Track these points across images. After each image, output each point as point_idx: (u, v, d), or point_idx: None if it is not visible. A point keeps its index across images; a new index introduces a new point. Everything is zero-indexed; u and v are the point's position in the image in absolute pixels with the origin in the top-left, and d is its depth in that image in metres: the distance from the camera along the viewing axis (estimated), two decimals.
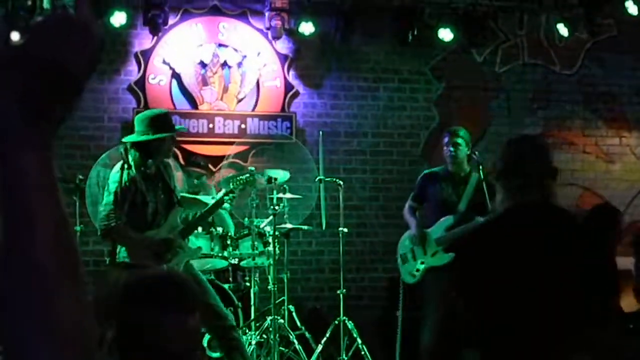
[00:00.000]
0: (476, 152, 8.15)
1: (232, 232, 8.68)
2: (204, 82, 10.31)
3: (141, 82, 10.28)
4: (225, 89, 10.36)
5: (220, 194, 7.33)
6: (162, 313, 2.33)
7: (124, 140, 7.05)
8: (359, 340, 8.33)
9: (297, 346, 8.18)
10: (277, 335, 7.82)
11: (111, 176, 6.86)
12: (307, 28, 10.37)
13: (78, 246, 1.20)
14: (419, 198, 8.33)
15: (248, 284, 8.56)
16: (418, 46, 10.76)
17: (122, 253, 6.78)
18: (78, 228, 8.64)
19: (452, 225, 7.98)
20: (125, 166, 6.77)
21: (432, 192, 8.17)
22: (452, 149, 8.05)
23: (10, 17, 8.64)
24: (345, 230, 8.72)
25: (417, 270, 8.18)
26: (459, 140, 8.05)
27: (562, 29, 10.78)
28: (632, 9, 10.54)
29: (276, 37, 10.49)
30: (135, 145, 6.82)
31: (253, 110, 10.53)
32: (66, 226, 1.18)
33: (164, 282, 2.44)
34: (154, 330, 2.32)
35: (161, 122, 6.90)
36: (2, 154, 1.15)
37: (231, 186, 7.33)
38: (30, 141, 1.15)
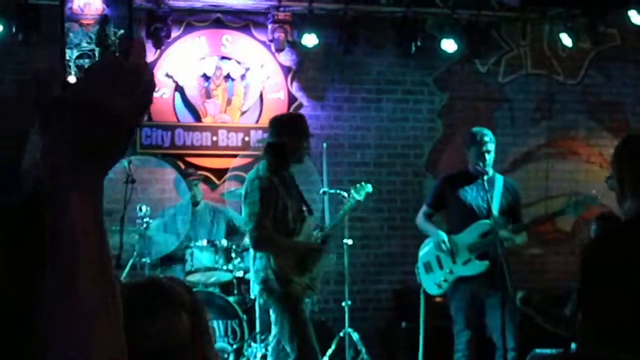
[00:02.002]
0: None
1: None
2: (207, 95, 10.33)
3: None
4: (229, 102, 10.38)
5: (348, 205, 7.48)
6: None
7: (262, 143, 7.14)
8: (364, 352, 8.31)
9: None
10: (282, 347, 7.78)
11: (249, 184, 6.82)
12: (310, 40, 10.37)
13: (118, 285, 1.23)
14: (436, 204, 8.09)
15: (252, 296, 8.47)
16: (421, 57, 10.80)
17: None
18: None
19: (488, 232, 7.67)
20: (264, 172, 6.74)
21: (456, 196, 7.91)
22: (489, 149, 7.78)
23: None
24: (350, 242, 8.70)
25: (445, 280, 7.89)
26: (493, 142, 7.87)
27: (566, 39, 10.77)
28: (635, 18, 10.52)
29: (279, 50, 10.54)
30: (272, 149, 6.77)
31: (257, 122, 10.54)
32: (109, 268, 1.20)
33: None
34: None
35: (296, 124, 6.84)
36: (50, 195, 1.18)
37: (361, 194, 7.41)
38: (79, 182, 1.18)
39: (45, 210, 1.19)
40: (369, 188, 7.79)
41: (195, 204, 9.09)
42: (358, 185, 7.82)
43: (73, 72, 1.22)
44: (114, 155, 1.22)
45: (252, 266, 6.87)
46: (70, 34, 1.22)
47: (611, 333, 3.59)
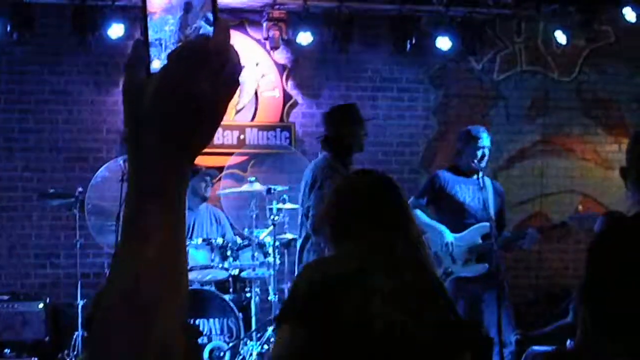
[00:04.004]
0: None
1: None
2: None
3: None
4: None
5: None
6: None
7: (321, 138, 7.10)
8: None
9: None
10: None
11: (309, 175, 6.92)
12: (304, 38, 10.36)
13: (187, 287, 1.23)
14: (427, 198, 8.03)
15: (249, 294, 8.50)
16: (416, 55, 10.77)
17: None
18: (78, 241, 8.61)
19: (488, 234, 7.66)
20: (325, 164, 6.79)
21: (451, 194, 7.90)
22: (485, 150, 7.83)
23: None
24: None
25: (443, 279, 7.86)
26: (490, 141, 7.91)
27: (560, 36, 10.76)
28: (629, 15, 10.53)
29: (274, 47, 10.54)
30: (331, 141, 6.84)
31: (252, 120, 10.59)
32: (183, 259, 1.21)
33: None
34: None
35: (351, 113, 6.98)
36: (140, 188, 1.18)
37: None
38: (165, 168, 1.18)
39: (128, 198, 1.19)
40: None
41: (203, 199, 9.02)
42: None
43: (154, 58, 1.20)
44: (201, 142, 1.20)
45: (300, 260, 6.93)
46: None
47: (617, 327, 3.56)
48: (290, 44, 10.63)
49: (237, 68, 1.20)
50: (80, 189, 8.70)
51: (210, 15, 1.20)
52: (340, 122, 6.96)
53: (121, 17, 9.86)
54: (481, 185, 7.67)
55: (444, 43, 10.66)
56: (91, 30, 9.72)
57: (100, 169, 9.42)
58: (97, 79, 10.20)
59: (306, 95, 10.84)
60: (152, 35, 1.20)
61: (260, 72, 10.60)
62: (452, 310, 3.61)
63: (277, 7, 10.39)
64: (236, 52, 1.20)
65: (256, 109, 10.63)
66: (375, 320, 3.27)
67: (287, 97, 10.76)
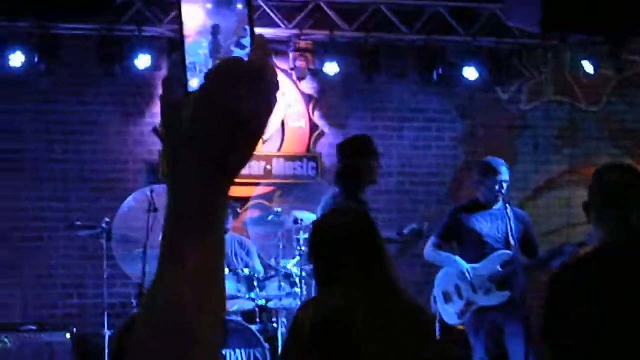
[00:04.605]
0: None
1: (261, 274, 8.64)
2: None
3: None
4: None
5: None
6: None
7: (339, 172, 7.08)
8: None
9: None
10: None
11: (318, 213, 6.93)
12: (331, 68, 10.43)
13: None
14: (446, 235, 8.03)
15: (275, 325, 8.47)
16: (443, 85, 10.80)
17: None
18: (105, 271, 8.63)
19: (508, 262, 7.66)
20: (340, 199, 6.81)
21: (469, 227, 7.86)
22: (503, 183, 7.79)
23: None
24: None
25: (465, 310, 7.84)
26: (508, 174, 7.89)
27: (588, 66, 10.76)
28: None
29: (301, 78, 10.62)
30: (345, 173, 6.86)
31: (278, 151, 10.63)
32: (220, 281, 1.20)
33: None
34: None
35: (365, 145, 6.98)
36: (177, 210, 1.17)
37: None
38: (203, 187, 1.17)
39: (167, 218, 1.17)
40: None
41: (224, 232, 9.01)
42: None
43: (192, 79, 1.22)
44: (240, 162, 1.20)
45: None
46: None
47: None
48: (316, 74, 10.68)
49: (275, 86, 1.19)
50: (107, 219, 8.66)
51: (244, 41, 1.21)
52: (353, 154, 6.94)
53: (148, 47, 9.99)
54: (501, 214, 7.72)
55: (470, 73, 10.68)
56: (118, 61, 9.86)
57: (127, 199, 9.36)
58: (123, 109, 10.25)
59: (333, 126, 10.86)
60: (188, 58, 1.22)
61: (287, 103, 10.62)
62: (431, 338, 3.88)
63: (303, 37, 10.49)
64: (274, 69, 1.19)
65: (283, 139, 10.66)
66: (360, 351, 3.53)
67: (313, 127, 10.79)
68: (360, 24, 10.58)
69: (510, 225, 7.64)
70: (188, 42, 1.22)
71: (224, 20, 1.22)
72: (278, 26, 10.41)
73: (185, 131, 1.16)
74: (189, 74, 1.21)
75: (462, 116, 11.19)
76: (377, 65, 10.54)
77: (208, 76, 1.17)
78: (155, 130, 10.31)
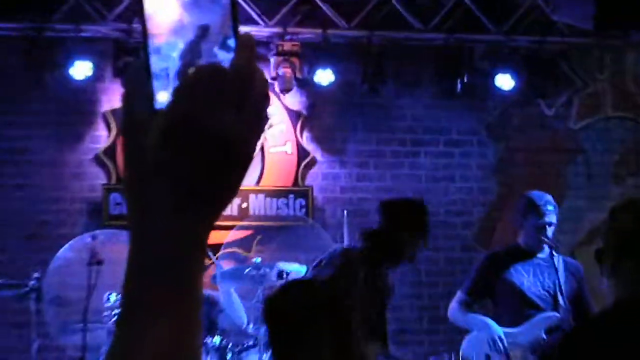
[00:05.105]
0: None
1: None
2: None
3: (112, 151, 10.33)
4: None
5: None
6: None
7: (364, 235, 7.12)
8: None
9: None
10: None
11: (329, 256, 6.99)
12: (324, 77, 10.43)
13: None
14: (477, 291, 8.07)
15: None
16: (469, 97, 10.82)
17: None
18: (34, 342, 8.53)
19: (556, 327, 7.66)
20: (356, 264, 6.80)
21: (505, 280, 7.88)
22: (550, 220, 7.82)
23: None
24: None
25: None
26: (556, 212, 7.88)
27: None
28: None
29: (285, 90, 10.55)
30: (379, 240, 6.94)
31: (257, 184, 10.59)
32: None
33: None
34: None
35: (419, 216, 7.09)
36: (144, 259, 1.17)
37: None
38: (178, 231, 1.16)
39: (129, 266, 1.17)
40: None
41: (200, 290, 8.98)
42: None
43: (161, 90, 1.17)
44: (225, 195, 1.18)
45: None
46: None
47: None
48: (305, 84, 10.68)
49: (266, 98, 1.18)
50: (36, 275, 8.48)
51: (230, 42, 1.18)
52: (402, 224, 6.97)
53: (88, 51, 9.98)
54: (547, 264, 7.76)
55: (504, 82, 10.67)
56: (49, 69, 9.85)
57: (62, 249, 9.46)
58: (58, 131, 10.23)
59: (327, 151, 10.88)
60: (155, 64, 1.17)
61: (268, 122, 10.62)
62: None
63: (288, 37, 10.47)
64: (264, 77, 1.18)
65: (262, 169, 10.64)
66: None
67: (302, 153, 10.78)
68: (361, 19, 10.51)
69: (559, 278, 7.68)
70: (158, 41, 1.17)
71: (206, 14, 1.18)
72: (255, 22, 10.33)
73: (151, 161, 1.14)
74: (156, 85, 1.17)
75: (494, 137, 11.21)
76: (383, 72, 10.53)
77: (181, 89, 1.15)
78: (98, 159, 10.33)
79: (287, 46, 10.47)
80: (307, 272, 7.23)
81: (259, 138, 1.18)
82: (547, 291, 7.81)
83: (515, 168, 11.18)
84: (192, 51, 1.18)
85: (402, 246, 6.99)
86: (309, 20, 10.60)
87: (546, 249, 7.83)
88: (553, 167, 11.21)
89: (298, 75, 10.53)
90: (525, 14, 10.68)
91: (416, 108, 11.07)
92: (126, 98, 1.20)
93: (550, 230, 7.83)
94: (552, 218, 7.86)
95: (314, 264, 7.09)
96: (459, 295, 8.12)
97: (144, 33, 1.17)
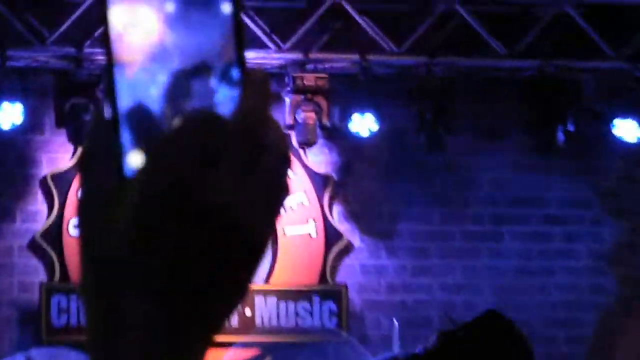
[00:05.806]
0: None
1: None
2: None
3: (55, 234, 9.69)
4: None
5: None
6: None
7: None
8: None
9: None
10: None
11: None
12: (364, 124, 9.46)
13: None
14: None
15: None
16: (575, 152, 9.91)
17: None
18: None
19: None
20: None
21: None
22: None
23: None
24: None
25: None
26: None
27: None
28: None
29: (307, 143, 9.68)
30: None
31: (266, 282, 9.85)
32: None
33: None
34: None
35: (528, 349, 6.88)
36: None
37: None
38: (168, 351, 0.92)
39: None
40: None
41: None
42: None
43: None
44: (226, 308, 0.92)
45: None
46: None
47: None
48: (336, 136, 9.86)
49: (284, 158, 0.91)
50: None
51: (233, 72, 0.91)
52: (487, 352, 6.31)
53: (18, 88, 9.18)
54: None
55: (627, 130, 9.66)
56: None
57: None
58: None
59: (368, 233, 9.98)
60: (126, 108, 0.92)
61: (287, 193, 8.72)
62: None
63: (310, 67, 9.59)
64: (280, 129, 0.93)
65: (274, 260, 9.82)
66: None
67: (331, 236, 9.90)
68: (415, 40, 9.57)
69: None
70: (127, 75, 0.91)
71: (198, 33, 0.91)
72: (263, 45, 9.48)
73: (122, 253, 0.89)
74: (126, 141, 0.91)
75: (612, 212, 10.23)
76: (449, 117, 9.43)
77: (162, 147, 0.90)
78: (34, 246, 9.64)
79: (310, 79, 9.48)
80: None
81: (275, 218, 0.92)
82: None
83: None
84: (178, 87, 0.93)
85: None
86: (341, 41, 9.59)
87: None
88: None
89: (325, 122, 9.60)
90: None
91: (498, 169, 10.09)
92: (86, 162, 0.96)
93: None
94: None
95: None
96: None
97: (109, 61, 0.93)
